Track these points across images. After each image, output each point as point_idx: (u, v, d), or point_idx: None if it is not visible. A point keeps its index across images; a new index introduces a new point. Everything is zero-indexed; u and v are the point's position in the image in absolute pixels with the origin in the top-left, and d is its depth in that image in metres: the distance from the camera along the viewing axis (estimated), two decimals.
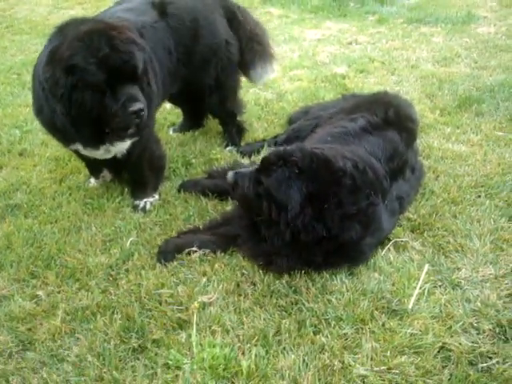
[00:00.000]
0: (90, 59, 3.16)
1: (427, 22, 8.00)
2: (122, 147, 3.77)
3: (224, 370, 2.65)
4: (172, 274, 3.33)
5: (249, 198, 3.26)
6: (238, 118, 4.93)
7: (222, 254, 3.48)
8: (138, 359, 2.80)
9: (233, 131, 4.90)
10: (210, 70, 4.41)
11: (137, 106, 3.29)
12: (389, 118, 3.82)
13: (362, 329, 2.89)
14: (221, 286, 3.20)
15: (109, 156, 3.83)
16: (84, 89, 3.24)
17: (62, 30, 3.48)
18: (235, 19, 4.63)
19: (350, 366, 2.67)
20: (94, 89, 3.24)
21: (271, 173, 3.11)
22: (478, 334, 2.85)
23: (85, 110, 3.31)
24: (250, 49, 4.78)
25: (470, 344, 2.77)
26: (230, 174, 3.34)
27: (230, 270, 3.35)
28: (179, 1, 4.23)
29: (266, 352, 2.76)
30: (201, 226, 3.73)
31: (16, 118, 5.51)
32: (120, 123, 3.36)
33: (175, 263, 3.43)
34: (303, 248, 3.17)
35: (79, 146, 3.73)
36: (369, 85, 5.88)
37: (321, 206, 3.05)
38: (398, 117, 3.87)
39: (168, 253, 3.48)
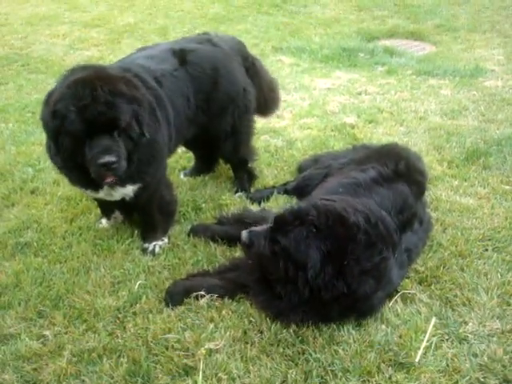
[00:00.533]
0: (70, 107, 3.25)
1: (435, 75, 8.08)
2: (123, 192, 3.82)
3: None
4: (179, 319, 3.34)
5: (264, 257, 3.27)
6: (250, 165, 4.99)
7: (230, 301, 3.49)
8: None
9: (244, 177, 4.95)
10: (227, 117, 4.49)
11: (106, 158, 3.30)
12: (399, 170, 3.86)
13: (369, 381, 2.89)
14: (228, 333, 3.21)
15: (114, 199, 3.90)
16: (65, 135, 3.35)
17: (68, 74, 3.58)
18: (252, 67, 4.78)
19: None
20: (73, 136, 3.33)
21: (288, 232, 3.13)
22: None
23: (68, 154, 3.42)
24: (267, 95, 5.00)
25: None
26: (245, 234, 3.33)
27: (237, 316, 3.35)
28: (200, 49, 4.35)
29: None
30: (210, 269, 3.75)
31: (29, 156, 5.58)
32: (93, 173, 3.42)
33: (183, 308, 3.44)
34: (320, 304, 3.18)
35: (80, 187, 3.82)
36: (377, 135, 5.94)
37: (341, 263, 3.06)
38: (408, 170, 3.91)
39: (176, 295, 3.49)
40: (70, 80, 3.40)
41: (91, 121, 3.26)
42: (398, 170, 3.86)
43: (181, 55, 4.19)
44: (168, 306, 3.45)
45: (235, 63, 4.53)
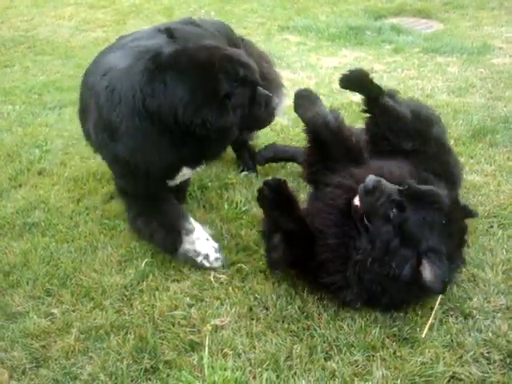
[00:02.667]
0: (233, 83, 3.34)
1: (443, 52, 8.02)
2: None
3: None
4: (185, 296, 3.38)
5: (375, 214, 3.07)
6: (249, 143, 4.98)
7: (236, 278, 3.52)
8: (150, 380, 2.83)
9: (245, 156, 4.94)
10: None
11: (274, 100, 3.65)
12: None
13: (373, 356, 2.90)
14: (233, 309, 3.24)
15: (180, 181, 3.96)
16: (235, 109, 3.40)
17: (163, 66, 3.39)
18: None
19: None
20: (244, 105, 3.45)
21: (419, 209, 3.02)
22: (488, 363, 2.86)
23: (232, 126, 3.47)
24: None
25: (481, 374, 2.78)
26: (371, 179, 3.10)
27: (242, 293, 3.38)
28: (184, 28, 4.28)
29: (277, 377, 2.79)
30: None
31: (36, 138, 5.59)
32: (266, 121, 3.84)
33: (189, 283, 3.49)
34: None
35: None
36: None
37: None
38: None
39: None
40: (202, 66, 3.34)
41: (251, 83, 3.46)
42: None
43: (167, 32, 4.10)
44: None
45: (220, 43, 4.47)
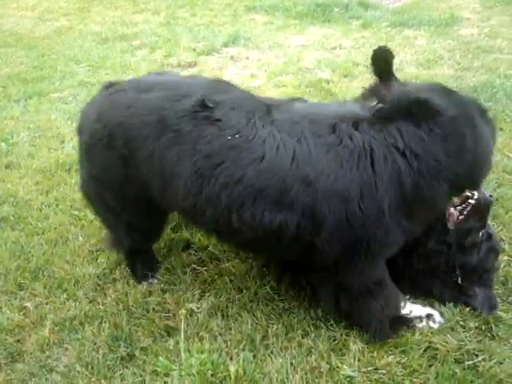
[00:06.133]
0: None
1: (411, 26, 8.03)
2: None
3: (212, 375, 2.67)
4: (159, 282, 3.37)
5: None
6: None
7: (208, 263, 3.51)
8: (127, 367, 2.81)
9: None
10: None
11: None
12: None
13: (350, 331, 2.90)
14: (208, 292, 3.23)
15: None
16: None
17: None
18: None
19: (337, 367, 2.70)
20: None
21: None
22: (464, 331, 2.88)
23: None
24: None
25: (456, 342, 2.80)
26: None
27: (218, 276, 3.36)
28: None
29: (254, 356, 2.79)
30: None
31: (2, 131, 5.49)
32: None
33: (163, 271, 3.47)
34: None
35: None
36: (353, 89, 5.88)
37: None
38: None
39: None
40: None
41: None
42: None
43: None
44: None
45: None
